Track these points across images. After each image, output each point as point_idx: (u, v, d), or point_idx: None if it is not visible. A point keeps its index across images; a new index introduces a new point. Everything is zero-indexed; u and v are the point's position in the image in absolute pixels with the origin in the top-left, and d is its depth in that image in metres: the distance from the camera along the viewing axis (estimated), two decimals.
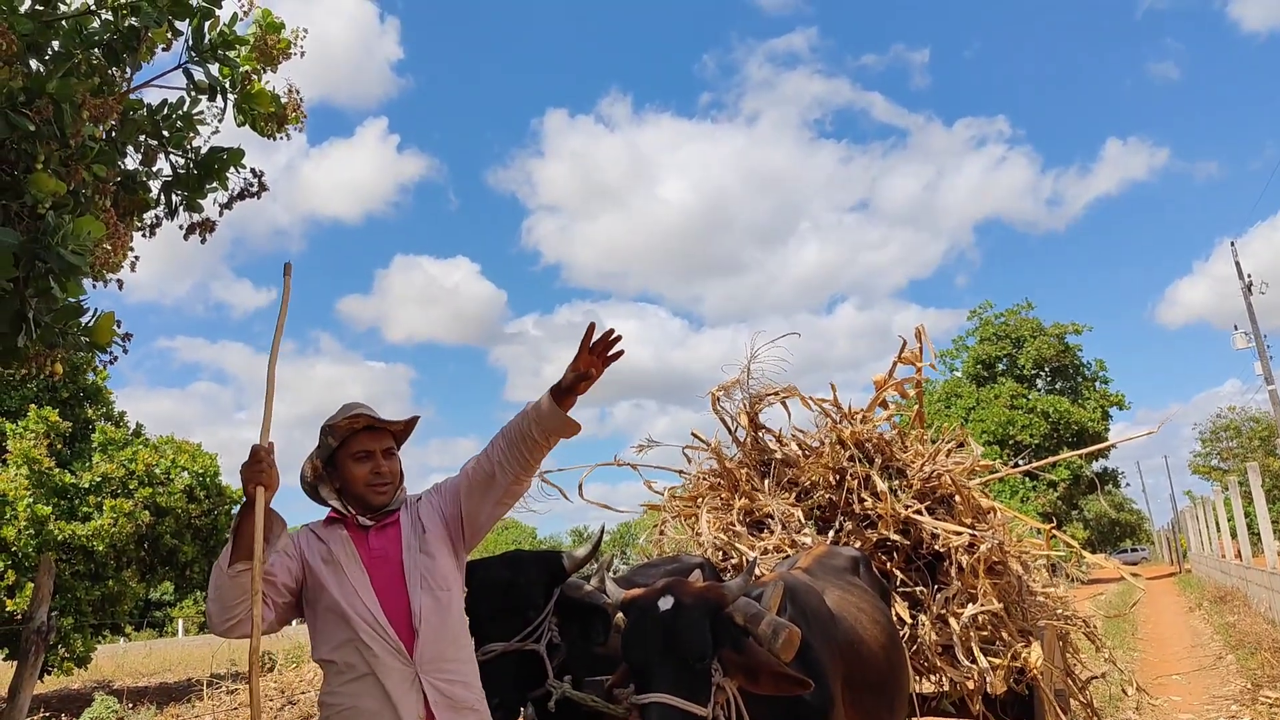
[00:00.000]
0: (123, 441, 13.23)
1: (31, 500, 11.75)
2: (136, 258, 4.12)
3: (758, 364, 5.18)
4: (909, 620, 4.39)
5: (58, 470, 12.29)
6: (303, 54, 4.25)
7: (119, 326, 3.78)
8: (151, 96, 4.06)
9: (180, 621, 37.49)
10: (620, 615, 2.71)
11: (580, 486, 5.47)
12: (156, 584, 15.17)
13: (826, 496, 4.84)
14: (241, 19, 3.98)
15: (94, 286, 4.03)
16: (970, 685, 4.30)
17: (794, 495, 4.93)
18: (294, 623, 2.76)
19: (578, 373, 2.51)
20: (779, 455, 5.12)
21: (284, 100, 4.34)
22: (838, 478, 4.85)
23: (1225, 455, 42.02)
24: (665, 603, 2.55)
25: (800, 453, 5.12)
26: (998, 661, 4.32)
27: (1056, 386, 34.92)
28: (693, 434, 5.58)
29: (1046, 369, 34.76)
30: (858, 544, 4.59)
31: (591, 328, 2.49)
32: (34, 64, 3.41)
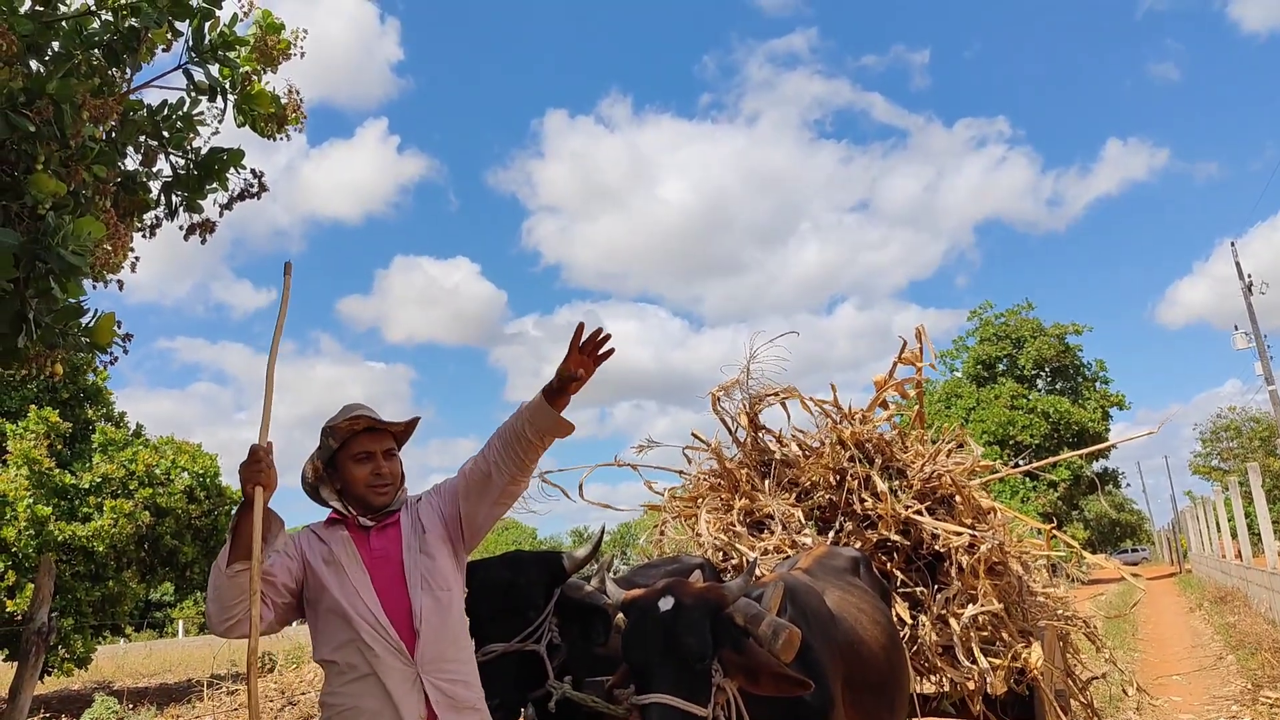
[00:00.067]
0: (123, 442, 13.23)
1: (32, 501, 11.75)
2: (137, 258, 4.12)
3: (757, 364, 5.18)
4: (909, 621, 4.39)
5: (58, 471, 12.29)
6: (303, 55, 4.25)
7: (119, 327, 3.78)
8: (152, 97, 4.07)
9: (180, 622, 37.48)
10: (620, 616, 2.72)
11: (580, 487, 5.47)
12: (157, 585, 15.18)
13: (827, 497, 4.84)
14: (241, 20, 3.98)
15: (94, 287, 4.03)
16: (971, 686, 4.30)
17: (794, 496, 4.93)
18: (294, 623, 2.76)
19: (568, 373, 2.50)
20: (779, 456, 5.12)
21: (284, 101, 4.34)
22: (838, 478, 4.85)
23: (1225, 455, 42.02)
24: (665, 603, 2.55)
25: (800, 453, 5.12)
26: (998, 662, 4.32)
27: (1057, 387, 34.92)
28: (693, 434, 5.59)
29: (1047, 369, 34.77)
30: (858, 544, 4.59)
31: (580, 328, 2.48)
32: (34, 65, 3.41)
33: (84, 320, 3.63)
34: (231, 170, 4.30)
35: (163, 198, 4.29)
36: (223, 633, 2.44)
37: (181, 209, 4.33)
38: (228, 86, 4.11)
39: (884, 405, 5.53)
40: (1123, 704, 7.73)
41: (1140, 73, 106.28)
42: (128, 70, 3.79)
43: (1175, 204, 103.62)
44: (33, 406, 12.78)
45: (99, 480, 12.42)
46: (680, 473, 5.61)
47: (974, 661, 4.31)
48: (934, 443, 5.36)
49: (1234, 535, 20.47)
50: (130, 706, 12.04)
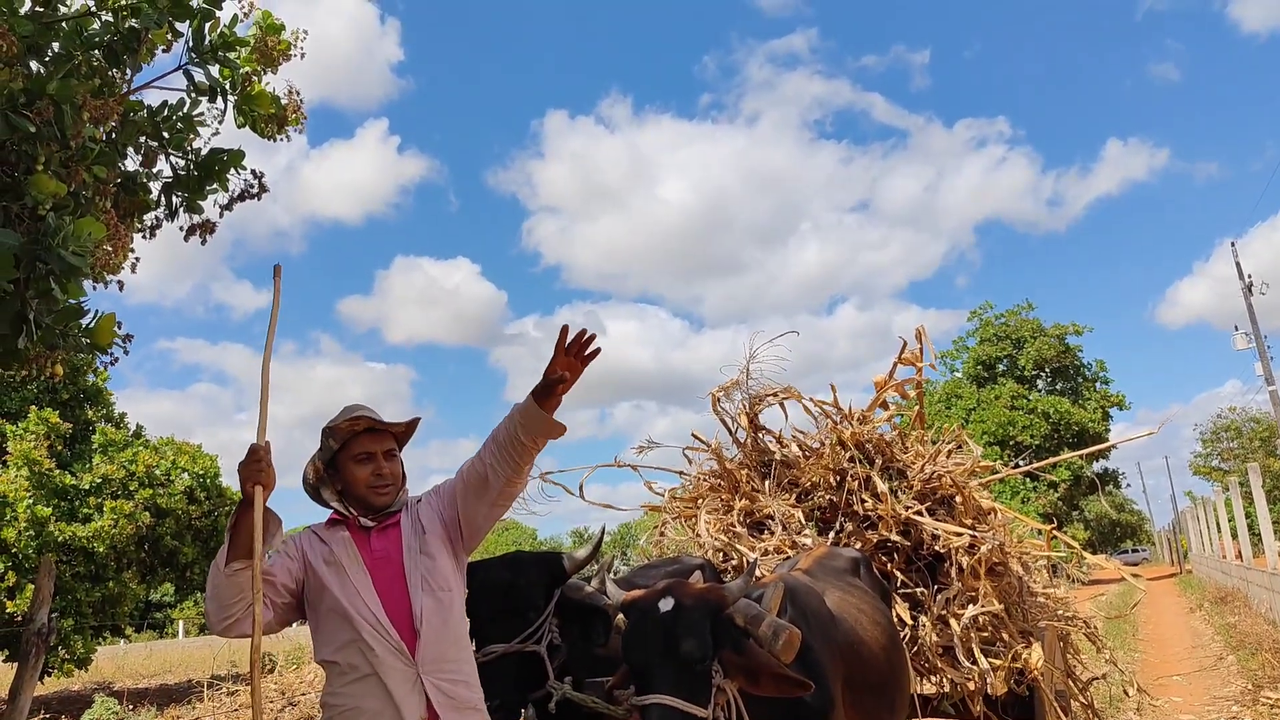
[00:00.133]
0: (123, 443, 13.23)
1: (32, 502, 11.75)
2: (137, 259, 4.13)
3: (757, 364, 5.18)
4: (909, 621, 4.39)
5: (58, 472, 12.29)
6: (303, 55, 4.26)
7: (119, 328, 3.79)
8: (152, 98, 4.07)
9: (181, 623, 37.48)
10: (621, 617, 2.72)
11: (581, 487, 5.47)
12: (157, 585, 15.18)
13: (827, 498, 4.84)
14: (242, 20, 3.99)
15: (94, 288, 4.04)
16: (971, 686, 4.29)
17: (794, 496, 4.93)
18: (294, 624, 2.77)
19: (554, 375, 2.50)
20: (779, 456, 5.12)
21: (284, 101, 4.34)
22: (838, 479, 4.85)
23: (1226, 456, 42.05)
24: (666, 604, 2.55)
25: (801, 454, 5.12)
26: (998, 662, 4.32)
27: (1057, 387, 34.93)
28: (693, 435, 5.59)
29: (1047, 370, 34.77)
30: (858, 545, 4.59)
31: (564, 330, 2.49)
32: (34, 65, 3.42)
33: (84, 321, 3.64)
34: (232, 171, 4.31)
35: (163, 198, 4.29)
36: (222, 631, 2.45)
37: (182, 210, 4.34)
38: (228, 87, 4.11)
39: (884, 406, 5.53)
40: (1123, 704, 7.73)
41: (1140, 73, 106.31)
42: (128, 71, 3.79)
43: (1175, 204, 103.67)
44: (33, 407, 12.78)
45: (99, 481, 12.42)
46: (680, 473, 5.61)
47: (974, 662, 4.31)
48: (934, 443, 5.36)
49: (1234, 536, 20.48)
50: (130, 707, 12.03)
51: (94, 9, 3.58)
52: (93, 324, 3.67)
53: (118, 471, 12.56)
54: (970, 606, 4.39)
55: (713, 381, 5.32)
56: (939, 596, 4.48)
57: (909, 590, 4.55)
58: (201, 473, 13.37)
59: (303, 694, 12.17)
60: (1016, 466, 9.20)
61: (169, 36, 3.86)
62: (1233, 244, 28.81)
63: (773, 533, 4.72)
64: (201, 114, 4.13)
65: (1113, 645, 6.83)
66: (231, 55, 4.03)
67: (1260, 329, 27.84)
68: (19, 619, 11.06)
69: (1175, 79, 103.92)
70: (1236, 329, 29.50)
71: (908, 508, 4.63)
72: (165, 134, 4.07)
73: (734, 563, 4.68)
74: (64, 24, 3.50)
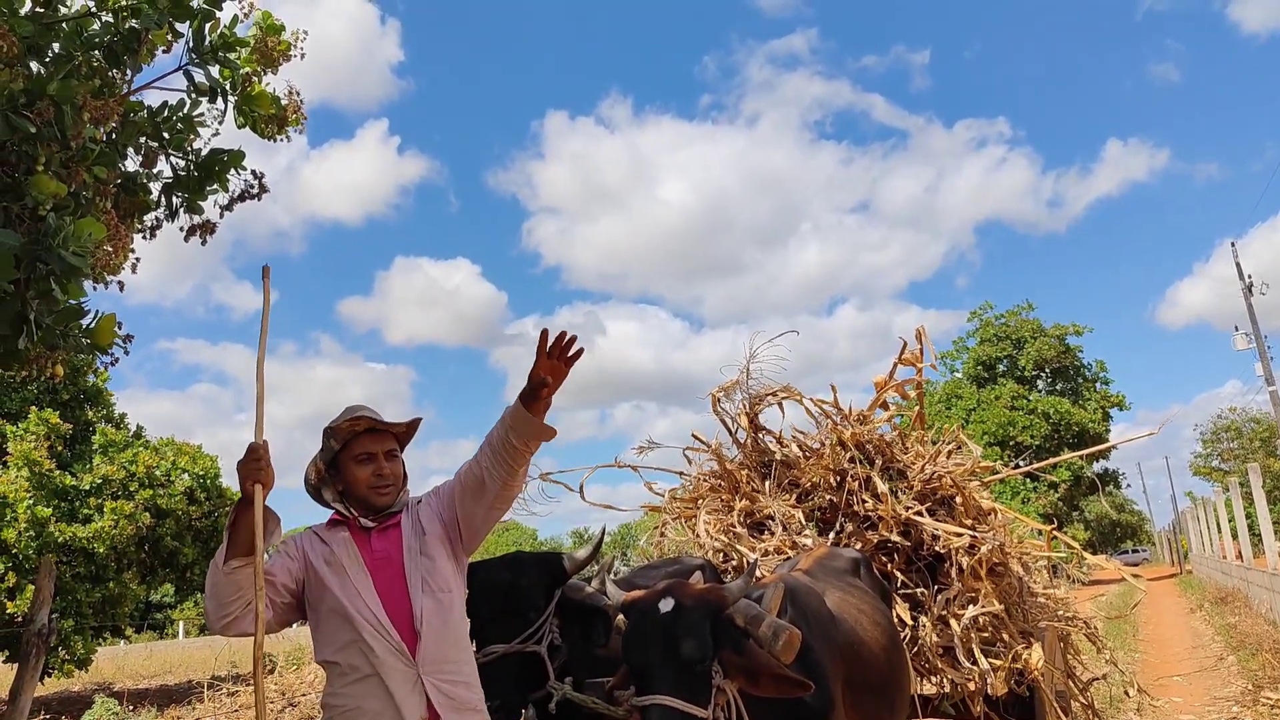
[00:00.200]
0: (123, 443, 13.23)
1: (32, 502, 11.75)
2: (137, 259, 4.13)
3: (758, 364, 5.18)
4: (910, 622, 4.39)
5: (58, 472, 12.29)
6: (303, 56, 4.26)
7: (120, 328, 3.79)
8: (152, 98, 4.08)
9: (181, 624, 37.49)
10: (621, 617, 2.71)
11: (581, 488, 5.47)
12: (157, 586, 15.18)
13: (827, 498, 4.84)
14: (242, 21, 3.99)
15: (95, 288, 4.04)
16: (971, 687, 4.29)
17: (794, 497, 4.93)
18: (294, 625, 2.77)
19: (537, 379, 2.49)
20: (779, 457, 5.11)
21: (284, 102, 4.34)
22: (838, 479, 4.84)
23: (1226, 456, 42.05)
24: (666, 605, 2.55)
25: (801, 454, 5.12)
26: (999, 663, 4.32)
27: (1057, 387, 34.92)
28: (693, 435, 5.58)
29: (1047, 370, 34.77)
30: (858, 545, 4.59)
31: (544, 334, 2.47)
32: (35, 66, 3.42)
33: (85, 321, 3.64)
34: (232, 171, 4.31)
35: (163, 199, 4.29)
36: (221, 629, 2.46)
37: (182, 210, 4.34)
38: (228, 88, 4.11)
39: (884, 406, 5.53)
40: (1123, 705, 7.73)
41: (1140, 73, 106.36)
42: (128, 72, 3.79)
43: (1175, 205, 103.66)
44: (33, 408, 12.79)
45: (99, 482, 12.42)
46: (680, 474, 5.61)
47: (974, 662, 4.31)
48: (934, 444, 5.36)
49: (1234, 536, 20.47)
50: (130, 708, 12.03)
51: (94, 10, 3.59)
52: (93, 324, 3.68)
53: (118, 472, 12.56)
54: (970, 607, 4.39)
55: (713, 382, 5.33)
56: (939, 597, 4.48)
57: (909, 591, 4.55)
58: (202, 473, 13.37)
59: (303, 694, 12.17)
60: (1017, 467, 9.20)
61: (169, 37, 3.86)
62: (1233, 244, 28.85)
63: (773, 533, 4.72)
64: (202, 114, 4.14)
65: (1113, 646, 6.83)
66: (232, 56, 4.03)
67: (1260, 329, 27.87)
68: (19, 620, 11.07)
69: (1175, 79, 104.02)
70: (1237, 329, 29.51)
71: (908, 508, 4.63)
72: (165, 134, 4.08)
73: (734, 563, 4.68)
74: (64, 25, 3.50)
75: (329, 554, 2.60)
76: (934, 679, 4.44)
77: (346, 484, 2.67)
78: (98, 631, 13.76)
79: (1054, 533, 5.65)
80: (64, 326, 3.53)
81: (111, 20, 3.60)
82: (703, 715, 2.42)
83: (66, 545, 11.91)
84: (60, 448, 12.77)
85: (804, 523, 4.77)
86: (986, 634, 4.44)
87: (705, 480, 5.37)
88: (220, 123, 4.22)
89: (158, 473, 12.84)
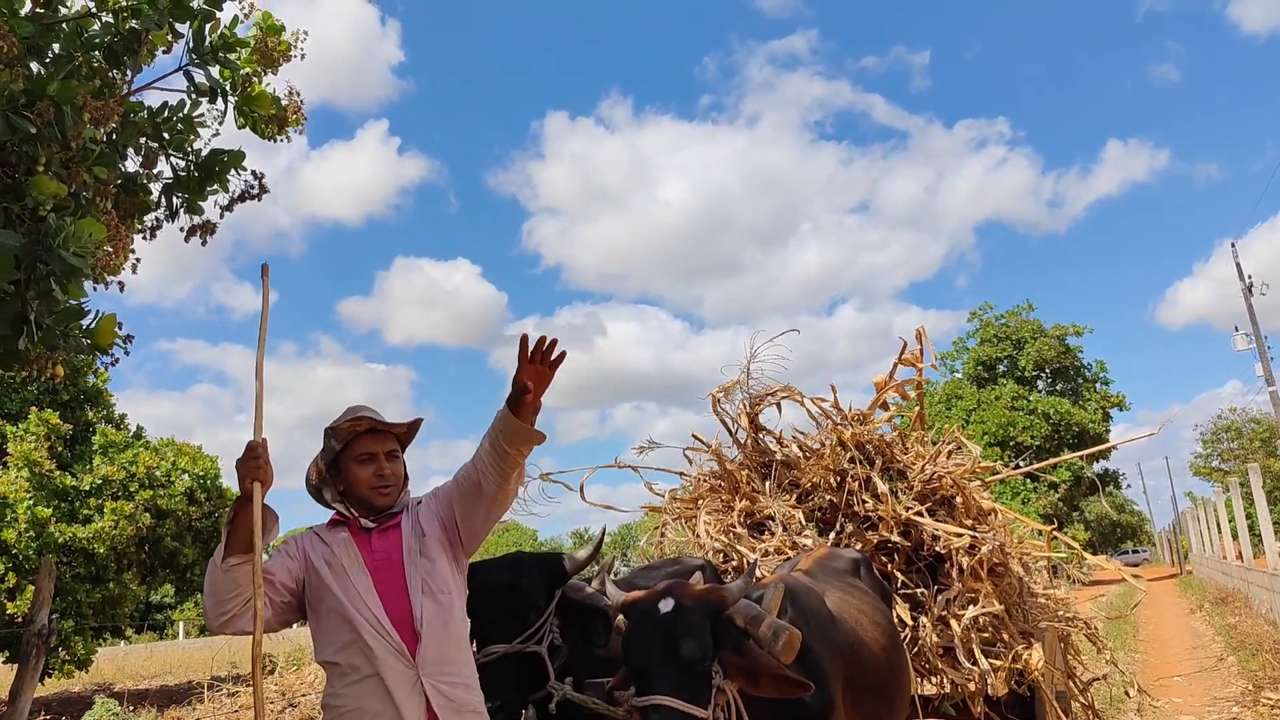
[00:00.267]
0: (123, 444, 13.23)
1: (32, 503, 11.75)
2: (137, 260, 4.13)
3: (758, 364, 5.18)
4: (910, 622, 4.39)
5: (58, 473, 12.29)
6: (303, 56, 4.26)
7: (120, 328, 3.79)
8: (152, 99, 4.08)
9: (181, 624, 37.49)
10: (621, 618, 2.71)
11: (581, 488, 5.47)
12: (157, 587, 15.18)
13: (827, 498, 4.84)
14: (242, 21, 3.99)
15: (95, 289, 4.04)
16: (971, 687, 4.29)
17: (795, 497, 4.93)
18: (294, 625, 2.77)
19: (520, 385, 2.47)
20: (780, 457, 5.11)
21: (284, 102, 4.34)
22: (838, 479, 4.84)
23: (1226, 456, 42.05)
24: (665, 605, 2.55)
25: (801, 454, 5.12)
26: (999, 663, 4.32)
27: (1057, 388, 34.92)
28: (693, 436, 5.58)
29: (1047, 370, 34.76)
30: (859, 546, 4.59)
31: (524, 340, 2.45)
32: (35, 66, 3.42)
33: (85, 322, 3.64)
34: (232, 172, 4.31)
35: (163, 199, 4.29)
36: (219, 627, 2.46)
37: (182, 210, 4.34)
38: (228, 88, 4.11)
39: (884, 406, 5.52)
40: (1124, 705, 7.73)
41: (1140, 74, 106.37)
42: (128, 72, 3.80)
43: (1175, 205, 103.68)
44: (33, 408, 12.79)
45: (99, 482, 12.42)
46: (681, 474, 5.61)
47: (975, 663, 4.31)
48: (934, 444, 5.36)
49: (1235, 536, 20.47)
50: (131, 708, 12.03)
51: (94, 10, 3.59)
52: (93, 325, 3.68)
53: (118, 473, 12.56)
54: (971, 607, 4.39)
55: (713, 382, 5.32)
56: (939, 597, 4.48)
57: (909, 591, 4.54)
58: (202, 474, 13.37)
59: (303, 695, 12.17)
60: (1017, 467, 9.19)
61: (169, 38, 3.87)
62: (1233, 245, 28.87)
63: (773, 533, 4.72)
64: (202, 115, 4.14)
65: (1113, 646, 6.83)
66: (232, 56, 4.03)
67: (1260, 329, 27.87)
68: (19, 620, 11.07)
69: (1175, 80, 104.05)
70: (1237, 329, 29.50)
71: (908, 508, 4.63)
72: (166, 135, 4.08)
73: (734, 563, 4.68)
74: (64, 25, 3.50)
75: (329, 554, 2.60)
76: (934, 679, 4.44)
77: (347, 484, 2.68)
78: (98, 632, 13.76)
79: (1054, 533, 5.65)
80: (64, 327, 3.53)
81: (112, 21, 3.61)
82: (703, 715, 2.42)
83: (67, 546, 11.91)
84: (60, 448, 12.77)
85: (804, 523, 4.77)
86: (987, 634, 4.44)
87: (705, 481, 5.37)
88: (220, 123, 4.22)
89: (158, 473, 12.84)
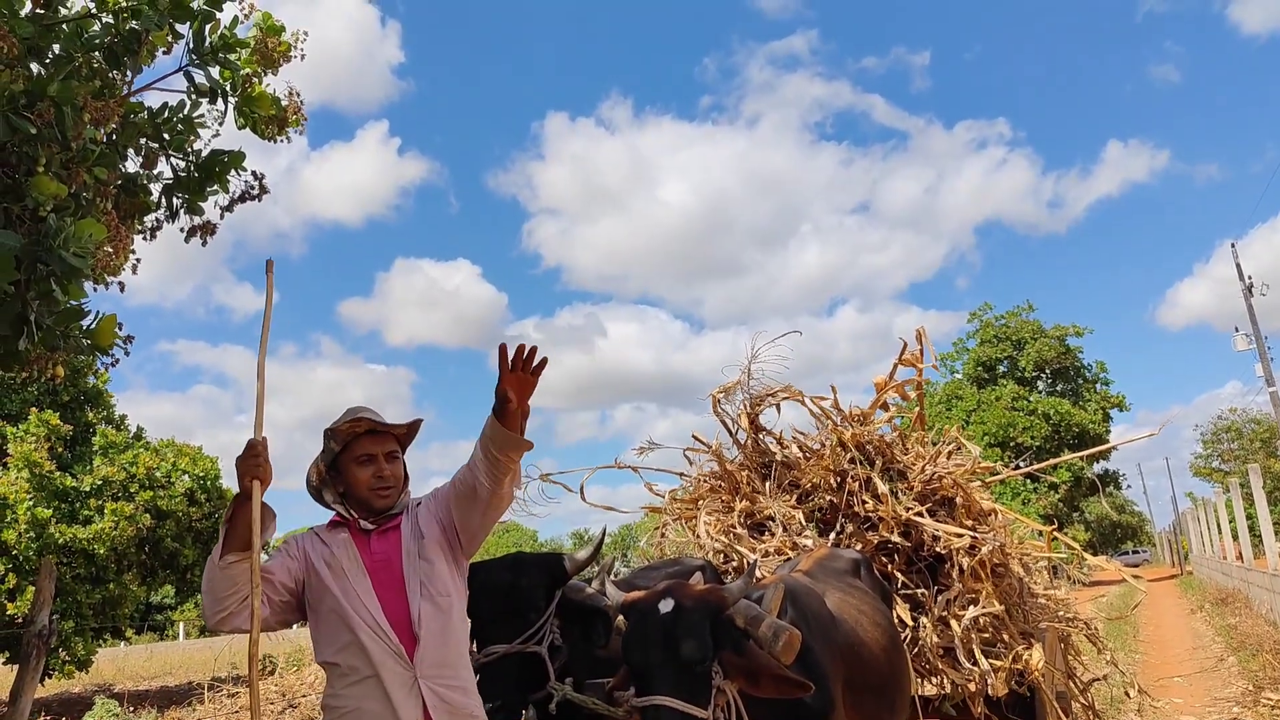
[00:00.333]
0: (123, 445, 13.24)
1: (32, 503, 11.76)
2: (138, 260, 4.13)
3: (759, 365, 5.17)
4: (910, 622, 4.38)
5: (58, 473, 12.30)
6: (303, 57, 4.26)
7: (120, 329, 3.79)
8: (152, 99, 4.08)
9: (181, 625, 37.49)
10: (621, 618, 2.71)
11: (581, 489, 5.46)
12: (157, 587, 15.18)
13: (827, 499, 4.84)
14: (242, 22, 3.99)
15: (95, 289, 4.04)
16: (972, 687, 4.29)
17: (795, 497, 4.93)
18: (294, 626, 2.77)
19: (501, 394, 2.46)
20: (780, 457, 5.11)
21: (285, 103, 4.34)
22: (839, 480, 4.84)
23: (1226, 457, 42.04)
24: (665, 605, 2.55)
25: (801, 455, 5.12)
26: (999, 664, 4.31)
27: (1057, 388, 34.91)
28: (693, 436, 5.58)
29: (1047, 371, 34.75)
30: (859, 546, 4.58)
31: (503, 349, 2.43)
32: (35, 67, 3.42)
33: (85, 322, 3.64)
34: (232, 172, 4.31)
35: (163, 200, 4.29)
36: (216, 625, 2.46)
37: (182, 211, 4.34)
38: (228, 89, 4.11)
39: (884, 407, 5.52)
40: (1124, 706, 7.73)
41: (1140, 74, 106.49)
42: (128, 73, 3.80)
43: (1175, 205, 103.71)
44: (33, 409, 12.79)
45: (100, 483, 12.42)
46: (681, 475, 5.61)
47: (975, 663, 4.30)
48: (934, 445, 5.36)
49: (1235, 537, 20.46)
50: (131, 709, 12.03)
51: (94, 11, 3.59)
52: (93, 325, 3.68)
53: (118, 473, 12.56)
54: (971, 608, 4.39)
55: (713, 383, 5.32)
56: (940, 598, 4.48)
57: (910, 591, 4.54)
58: (202, 475, 13.37)
59: (303, 695, 12.16)
60: (1017, 468, 9.20)
61: (169, 38, 3.87)
62: (1233, 245, 28.87)
63: (773, 534, 4.72)
64: (202, 115, 4.14)
65: (1113, 646, 6.83)
66: (232, 57, 4.03)
67: (1260, 330, 27.88)
68: (20, 621, 11.07)
69: (1175, 81, 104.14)
70: (1237, 330, 29.51)
71: (908, 509, 4.63)
72: (166, 135, 4.08)
73: (734, 564, 4.68)
74: (64, 26, 3.50)
75: (329, 555, 2.60)
76: (934, 680, 4.44)
77: (347, 485, 2.68)
78: (98, 633, 13.76)
79: (1054, 533, 5.65)
80: (64, 327, 3.53)
81: (112, 21, 3.61)
82: (703, 716, 2.42)
83: (67, 546, 11.91)
84: (61, 449, 12.77)
85: (804, 523, 4.76)
86: (987, 635, 4.43)
87: (705, 481, 5.36)
88: (220, 124, 4.22)
89: (158, 474, 12.84)
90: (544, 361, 2.49)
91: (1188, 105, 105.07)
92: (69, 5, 3.58)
